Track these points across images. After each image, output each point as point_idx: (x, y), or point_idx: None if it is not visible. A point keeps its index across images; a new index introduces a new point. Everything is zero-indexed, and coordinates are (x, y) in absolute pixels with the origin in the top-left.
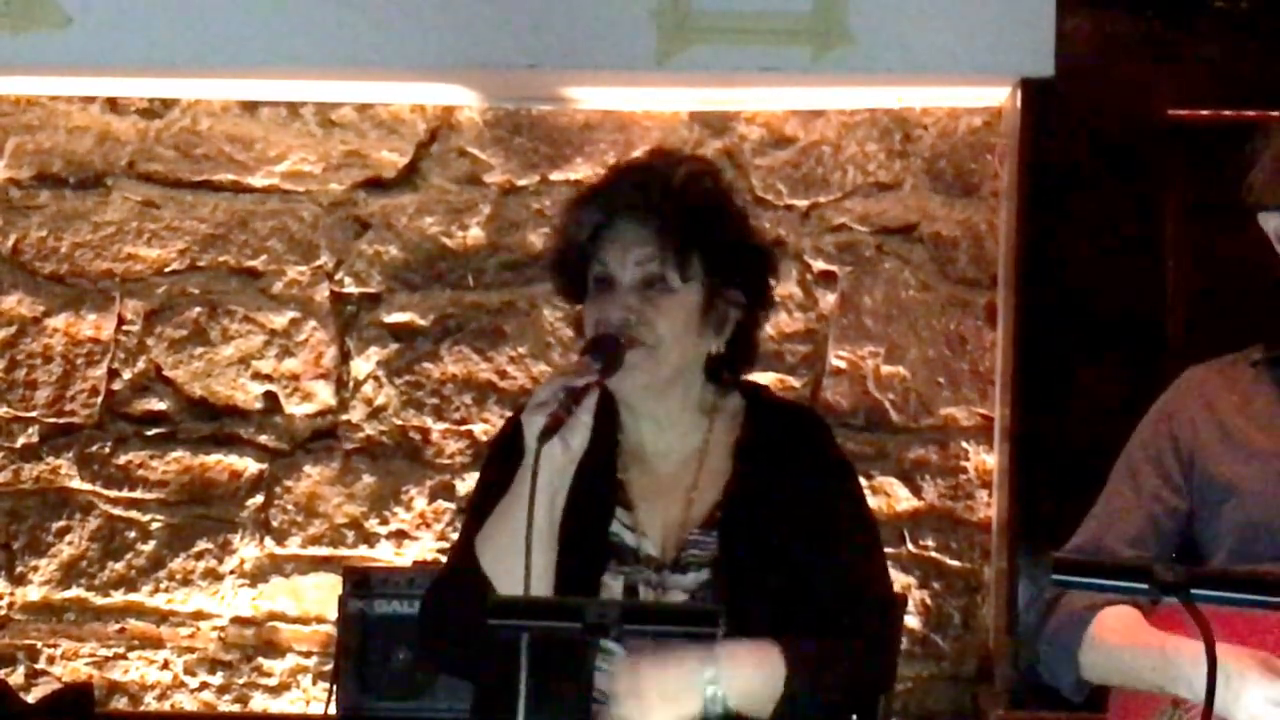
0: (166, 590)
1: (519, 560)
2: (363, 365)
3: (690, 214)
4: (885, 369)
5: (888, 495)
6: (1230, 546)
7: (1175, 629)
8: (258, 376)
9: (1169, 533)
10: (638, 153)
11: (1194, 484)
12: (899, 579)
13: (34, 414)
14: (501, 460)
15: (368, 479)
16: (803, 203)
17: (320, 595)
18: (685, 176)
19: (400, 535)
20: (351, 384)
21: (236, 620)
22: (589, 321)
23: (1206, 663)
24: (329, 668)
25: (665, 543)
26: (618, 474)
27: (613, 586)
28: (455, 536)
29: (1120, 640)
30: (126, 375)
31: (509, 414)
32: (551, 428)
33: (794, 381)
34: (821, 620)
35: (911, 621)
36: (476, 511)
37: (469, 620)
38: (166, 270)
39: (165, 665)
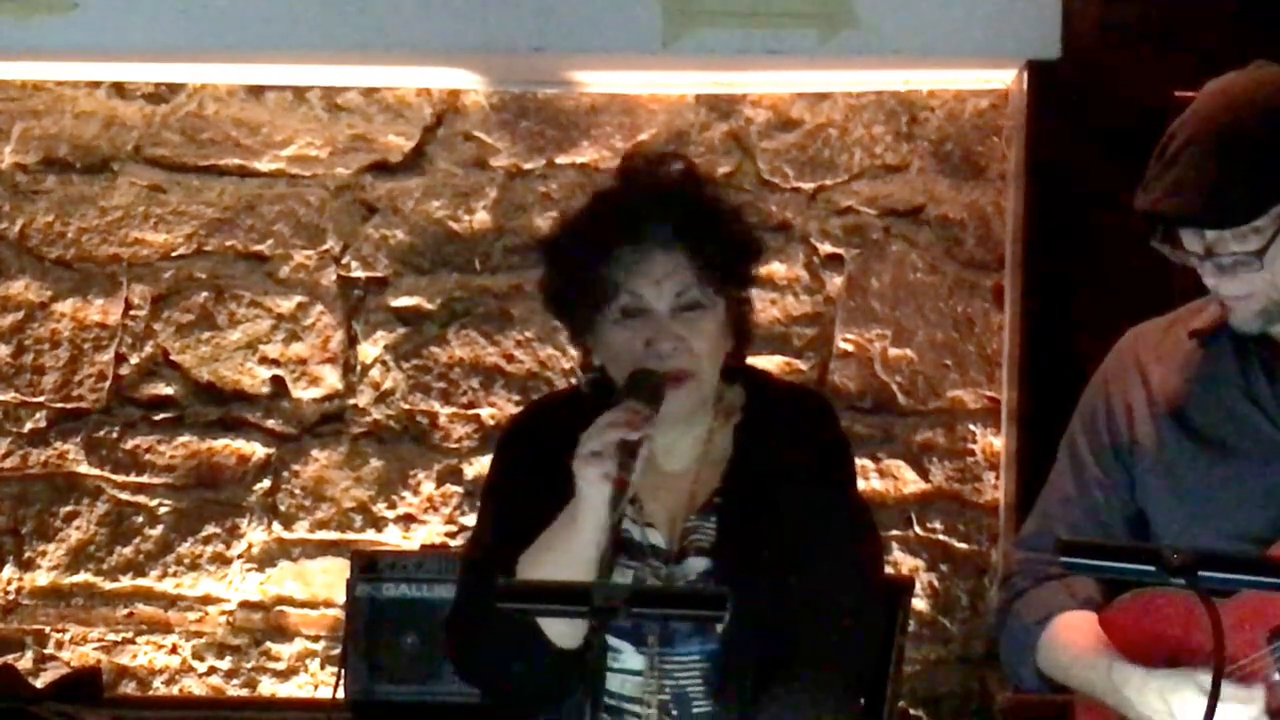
0: (174, 575)
1: None
2: (370, 349)
3: (717, 238)
4: (893, 351)
5: (895, 478)
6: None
7: (1132, 630)
8: (265, 361)
9: (1112, 514)
10: (624, 138)
11: (1130, 469)
12: (906, 562)
13: (42, 399)
14: (519, 460)
15: (375, 463)
16: (809, 185)
17: (328, 579)
18: (693, 192)
19: (408, 519)
20: (359, 368)
21: (244, 604)
22: (623, 350)
23: (1214, 647)
24: (337, 652)
25: (671, 533)
26: None
27: (621, 581)
28: (464, 521)
29: (1071, 654)
30: (134, 360)
31: (516, 398)
32: (619, 494)
33: (801, 364)
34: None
35: (919, 604)
36: (503, 519)
37: (518, 642)
38: (173, 255)
39: (173, 650)
